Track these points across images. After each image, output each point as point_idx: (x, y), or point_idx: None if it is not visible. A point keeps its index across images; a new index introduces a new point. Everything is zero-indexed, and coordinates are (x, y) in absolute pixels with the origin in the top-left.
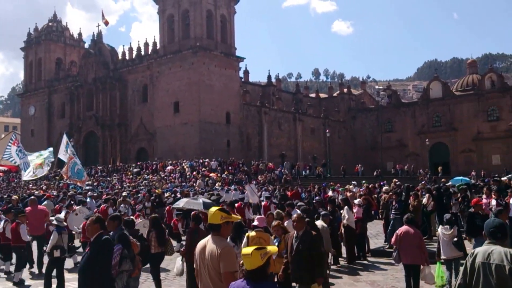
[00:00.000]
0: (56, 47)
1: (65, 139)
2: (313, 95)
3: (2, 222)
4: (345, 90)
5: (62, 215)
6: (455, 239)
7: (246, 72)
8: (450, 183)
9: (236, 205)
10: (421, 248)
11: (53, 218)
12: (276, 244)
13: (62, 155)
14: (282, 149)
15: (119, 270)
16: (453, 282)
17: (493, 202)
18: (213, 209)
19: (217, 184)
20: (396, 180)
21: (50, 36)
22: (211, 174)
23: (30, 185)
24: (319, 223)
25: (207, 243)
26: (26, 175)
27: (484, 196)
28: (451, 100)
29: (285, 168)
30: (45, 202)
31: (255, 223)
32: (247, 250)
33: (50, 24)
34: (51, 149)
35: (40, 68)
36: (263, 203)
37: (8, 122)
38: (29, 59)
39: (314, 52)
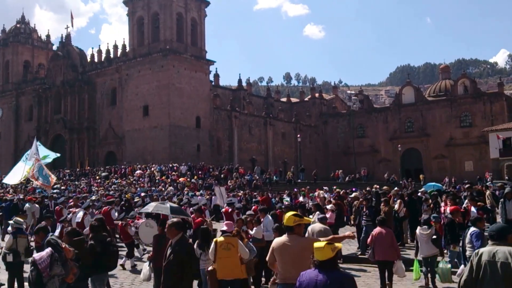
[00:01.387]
0: (24, 49)
1: (35, 143)
2: (284, 99)
3: None
4: (317, 94)
5: (80, 215)
6: (434, 236)
7: (217, 76)
8: (422, 189)
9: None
10: (393, 245)
11: (11, 221)
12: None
13: (33, 159)
14: (253, 154)
15: (50, 274)
16: (429, 276)
17: (473, 209)
18: (289, 213)
19: (185, 189)
20: (378, 186)
21: (17, 38)
22: (180, 179)
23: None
24: (318, 226)
25: (286, 241)
26: (10, 179)
27: (442, 204)
28: (424, 105)
29: (255, 173)
30: (27, 205)
31: (224, 228)
32: (319, 244)
33: (18, 25)
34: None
35: (8, 70)
36: (223, 209)
37: None
38: None
39: (286, 56)
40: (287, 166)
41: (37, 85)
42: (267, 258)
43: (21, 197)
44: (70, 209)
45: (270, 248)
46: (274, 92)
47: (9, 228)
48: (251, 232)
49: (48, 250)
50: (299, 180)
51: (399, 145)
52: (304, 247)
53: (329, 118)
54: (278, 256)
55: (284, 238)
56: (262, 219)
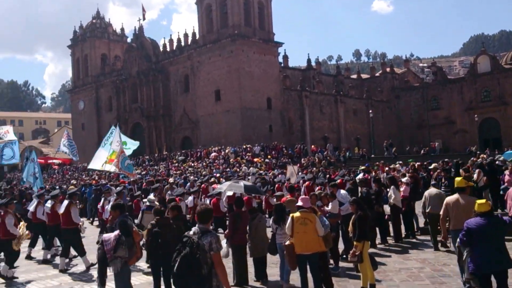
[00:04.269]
0: (101, 43)
1: (117, 131)
2: (354, 76)
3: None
4: (388, 69)
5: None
6: None
7: (286, 57)
8: (501, 157)
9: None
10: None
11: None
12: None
13: (115, 146)
14: (325, 132)
15: (113, 256)
16: None
17: None
18: (459, 178)
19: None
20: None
21: (94, 33)
22: (254, 159)
23: (83, 176)
24: (434, 190)
25: (459, 198)
26: (93, 164)
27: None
28: (501, 74)
29: (328, 150)
30: (118, 188)
31: (300, 203)
32: (481, 201)
33: (94, 21)
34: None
35: (87, 64)
36: (305, 184)
37: (61, 117)
38: (76, 56)
39: (354, 33)
40: (360, 142)
41: (115, 76)
42: (441, 212)
43: (103, 182)
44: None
45: (444, 205)
46: (344, 70)
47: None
48: (328, 208)
49: (116, 233)
50: (372, 156)
51: (475, 115)
52: (470, 203)
53: (402, 92)
54: (452, 210)
55: (456, 196)
56: (335, 193)
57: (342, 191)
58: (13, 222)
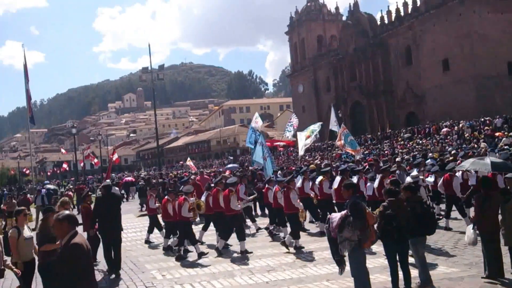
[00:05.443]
0: (316, 25)
1: (333, 111)
2: None
3: None
4: None
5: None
6: None
7: None
8: None
9: None
10: None
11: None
12: None
13: (334, 127)
14: None
15: (340, 235)
16: None
17: None
18: None
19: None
20: None
21: (309, 16)
22: (496, 134)
23: (307, 157)
24: None
25: None
26: (301, 150)
27: None
28: None
29: None
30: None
31: None
32: None
33: (308, 4)
34: (320, 123)
35: (304, 47)
36: None
37: (282, 102)
38: (293, 42)
39: None
40: None
41: (331, 57)
42: None
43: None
44: None
45: None
46: None
47: None
48: None
49: (344, 212)
50: None
51: None
52: None
53: None
54: None
55: None
56: None
57: None
58: (297, 197)
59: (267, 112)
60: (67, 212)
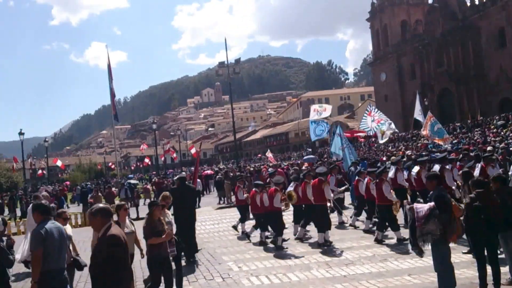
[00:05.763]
0: (400, 10)
1: (418, 100)
2: None
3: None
4: None
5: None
6: None
7: None
8: None
9: None
10: None
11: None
12: None
13: (418, 116)
14: None
15: (423, 227)
16: None
17: None
18: None
19: None
20: None
21: (392, 1)
22: None
23: (390, 147)
24: None
25: None
26: (383, 139)
27: None
28: None
29: None
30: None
31: None
32: None
33: None
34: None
35: (386, 34)
36: None
37: (363, 91)
38: (375, 28)
39: None
40: None
41: (416, 42)
42: None
43: (409, 153)
44: None
45: None
46: None
47: None
48: None
49: (432, 204)
50: None
51: None
52: None
53: None
54: None
55: None
56: None
57: None
58: (390, 188)
59: (347, 102)
60: (100, 205)
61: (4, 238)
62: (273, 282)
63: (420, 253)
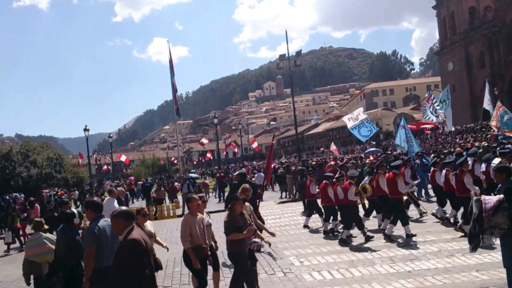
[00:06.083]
0: None
1: (487, 89)
2: None
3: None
4: None
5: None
6: None
7: None
8: None
9: None
10: None
11: None
12: None
13: (487, 106)
14: None
15: (490, 219)
16: None
17: None
18: None
19: None
20: None
21: None
22: None
23: (457, 139)
24: None
25: None
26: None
27: None
28: None
29: None
30: None
31: None
32: None
33: None
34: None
35: (454, 21)
36: None
37: (429, 81)
38: (441, 16)
39: None
40: None
41: (486, 29)
42: None
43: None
44: None
45: None
46: None
47: None
48: None
49: (501, 196)
50: None
51: None
52: None
53: None
54: None
55: None
56: None
57: None
58: (471, 180)
59: (413, 93)
60: (123, 208)
61: (80, 232)
62: (335, 277)
63: (475, 248)
